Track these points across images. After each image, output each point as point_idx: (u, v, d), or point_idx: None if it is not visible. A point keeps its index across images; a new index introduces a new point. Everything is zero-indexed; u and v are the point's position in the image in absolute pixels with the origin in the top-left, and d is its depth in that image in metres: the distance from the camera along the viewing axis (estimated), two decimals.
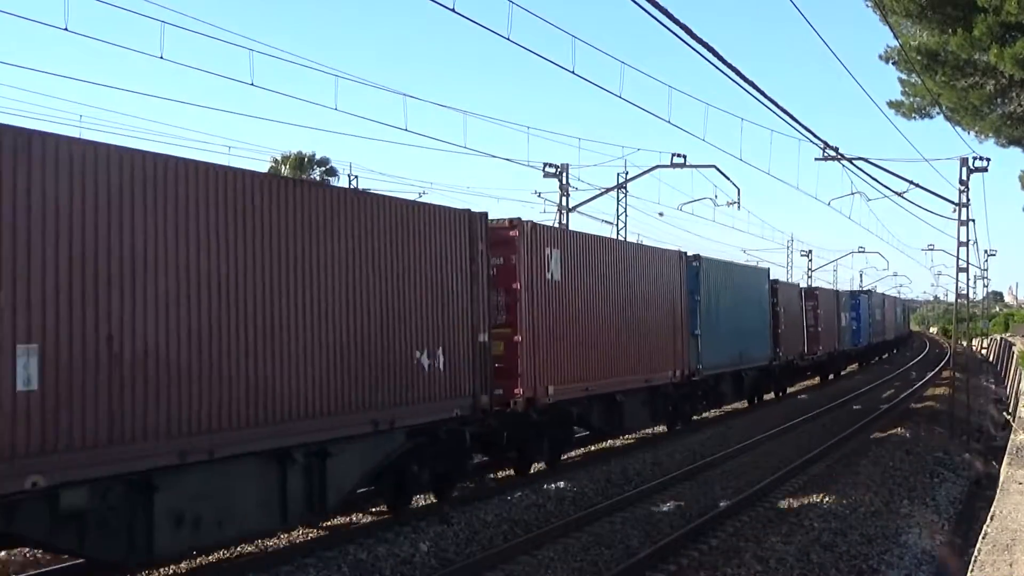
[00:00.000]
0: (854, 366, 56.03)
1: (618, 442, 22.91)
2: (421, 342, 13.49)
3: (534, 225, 17.22)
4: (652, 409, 22.74)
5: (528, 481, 17.17)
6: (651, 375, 21.84)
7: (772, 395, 36.09)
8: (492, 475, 18.08)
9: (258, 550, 12.36)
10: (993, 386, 42.85)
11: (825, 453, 21.97)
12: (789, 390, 38.83)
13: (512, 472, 18.00)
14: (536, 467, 18.29)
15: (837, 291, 51.33)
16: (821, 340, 42.19)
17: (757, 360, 31.32)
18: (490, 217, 15.68)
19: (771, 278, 34.68)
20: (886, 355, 69.82)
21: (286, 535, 13.02)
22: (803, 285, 46.61)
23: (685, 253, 24.82)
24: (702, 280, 25.44)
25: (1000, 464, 17.54)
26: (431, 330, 13.74)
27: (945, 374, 46.40)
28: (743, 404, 32.43)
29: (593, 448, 21.89)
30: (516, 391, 16.31)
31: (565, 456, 19.73)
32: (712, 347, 25.77)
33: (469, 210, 14.98)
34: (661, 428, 24.76)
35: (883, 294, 73.88)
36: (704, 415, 28.08)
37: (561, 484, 16.81)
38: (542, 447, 18.16)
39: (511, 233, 16.60)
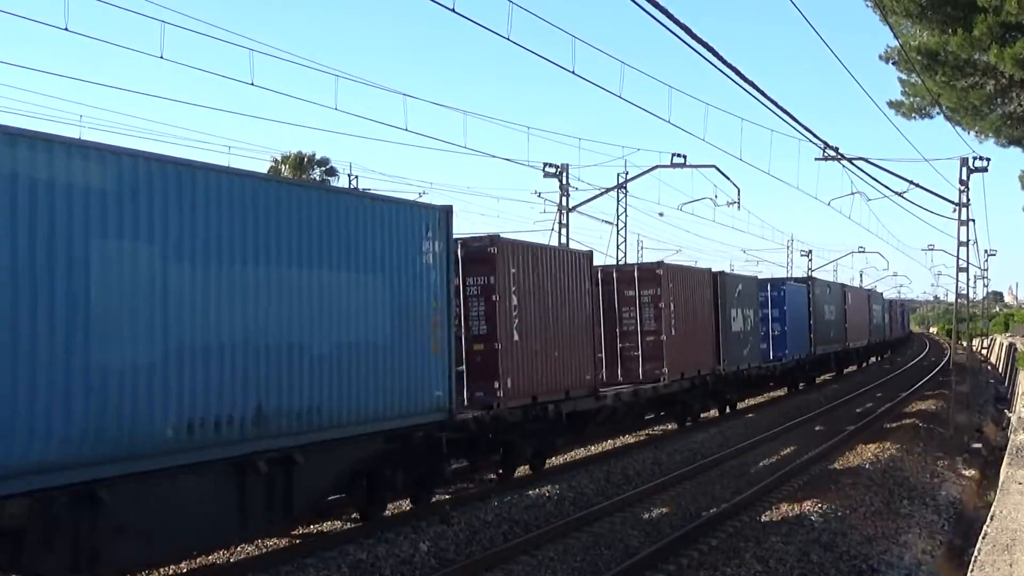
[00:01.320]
0: (781, 391, 37.35)
1: None
2: None
3: None
4: None
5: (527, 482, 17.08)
6: None
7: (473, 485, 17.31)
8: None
9: (258, 550, 12.36)
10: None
11: None
12: (552, 461, 19.30)
13: None
14: None
15: (717, 274, 29.05)
16: (669, 358, 23.73)
17: (364, 421, 12.61)
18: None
19: (453, 228, 14.46)
20: (854, 368, 52.40)
21: (286, 536, 13.05)
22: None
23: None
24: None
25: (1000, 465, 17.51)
26: None
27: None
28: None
29: None
30: None
31: None
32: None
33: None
34: None
35: (843, 284, 51.56)
36: None
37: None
38: None
39: None
